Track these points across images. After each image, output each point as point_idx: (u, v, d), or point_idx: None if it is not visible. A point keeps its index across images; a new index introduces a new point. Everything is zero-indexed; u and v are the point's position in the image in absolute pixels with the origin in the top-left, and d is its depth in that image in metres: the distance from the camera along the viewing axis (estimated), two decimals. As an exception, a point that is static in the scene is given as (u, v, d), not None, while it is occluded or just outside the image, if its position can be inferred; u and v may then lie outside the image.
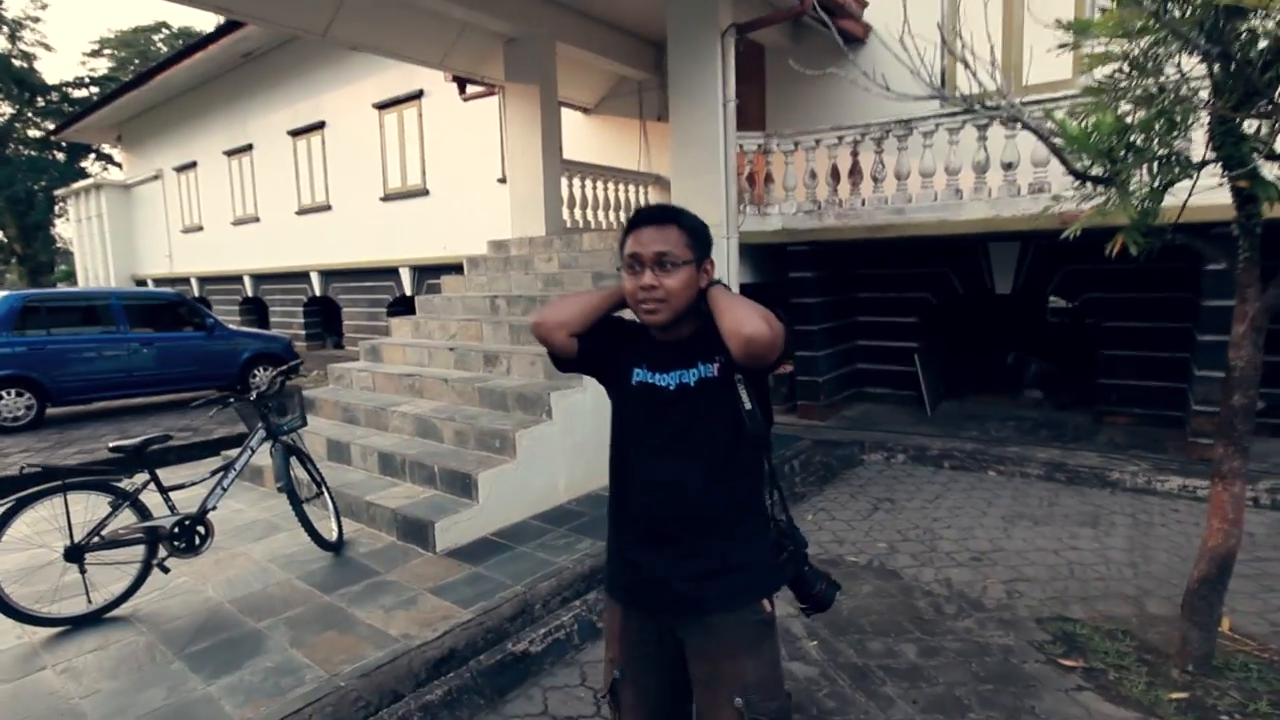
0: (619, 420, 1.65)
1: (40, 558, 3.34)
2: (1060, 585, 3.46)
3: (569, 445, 4.51)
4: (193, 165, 16.27)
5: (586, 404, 4.57)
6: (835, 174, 6.48)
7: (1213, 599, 2.55)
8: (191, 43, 14.60)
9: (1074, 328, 8.32)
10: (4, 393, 7.12)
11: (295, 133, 13.43)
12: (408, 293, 11.77)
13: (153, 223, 18.10)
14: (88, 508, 3.15)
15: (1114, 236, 2.28)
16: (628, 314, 1.63)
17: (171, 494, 3.35)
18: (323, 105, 12.79)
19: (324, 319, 14.36)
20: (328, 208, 13.14)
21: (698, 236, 1.52)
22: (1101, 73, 2.40)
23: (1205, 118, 2.19)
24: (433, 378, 5.29)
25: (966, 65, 2.33)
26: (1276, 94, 2.04)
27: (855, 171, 6.35)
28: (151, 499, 3.31)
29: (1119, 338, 6.34)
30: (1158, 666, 2.65)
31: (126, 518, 3.23)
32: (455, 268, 10.44)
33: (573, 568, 3.55)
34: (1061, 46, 2.45)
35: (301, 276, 13.89)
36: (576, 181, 7.80)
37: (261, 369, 9.07)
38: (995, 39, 2.98)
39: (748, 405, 1.51)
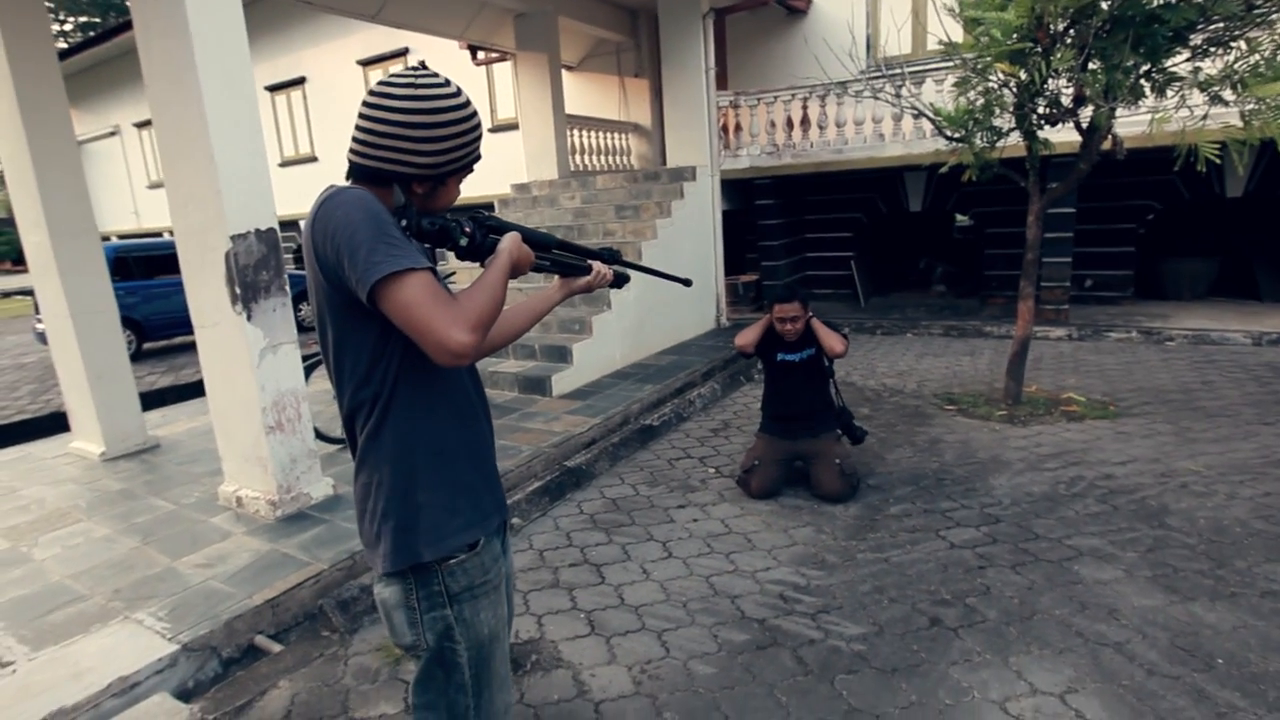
0: (771, 374, 3.85)
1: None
2: (948, 382, 5.71)
3: (622, 328, 6.40)
4: (158, 121, 16.68)
5: (630, 298, 6.45)
6: (790, 123, 8.37)
7: (1019, 364, 4.75)
8: None
9: (970, 237, 10.65)
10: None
11: (273, 88, 14.16)
12: (405, 234, 13.07)
13: (113, 179, 18.35)
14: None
15: (964, 169, 4.33)
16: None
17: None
18: (303, 61, 13.55)
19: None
20: (314, 159, 14.13)
21: (804, 301, 3.64)
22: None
23: (1011, 106, 4.20)
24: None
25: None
26: (1045, 94, 4.07)
27: (805, 120, 8.26)
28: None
29: (996, 241, 8.61)
30: (995, 405, 4.87)
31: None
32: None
33: (645, 398, 5.51)
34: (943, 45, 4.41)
35: (291, 225, 14.92)
36: (576, 131, 9.42)
37: (304, 304, 10.47)
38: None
39: (828, 364, 3.77)
